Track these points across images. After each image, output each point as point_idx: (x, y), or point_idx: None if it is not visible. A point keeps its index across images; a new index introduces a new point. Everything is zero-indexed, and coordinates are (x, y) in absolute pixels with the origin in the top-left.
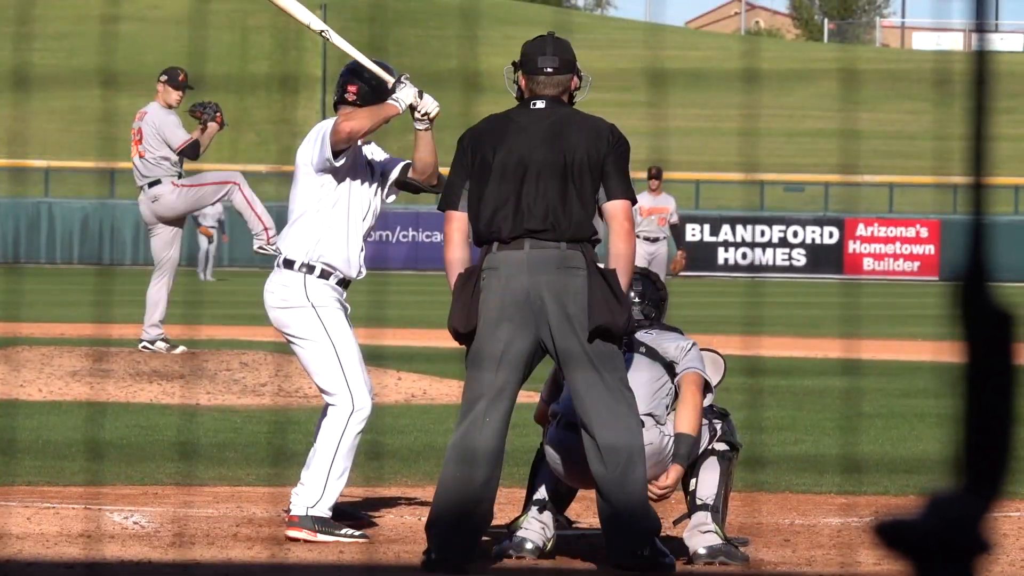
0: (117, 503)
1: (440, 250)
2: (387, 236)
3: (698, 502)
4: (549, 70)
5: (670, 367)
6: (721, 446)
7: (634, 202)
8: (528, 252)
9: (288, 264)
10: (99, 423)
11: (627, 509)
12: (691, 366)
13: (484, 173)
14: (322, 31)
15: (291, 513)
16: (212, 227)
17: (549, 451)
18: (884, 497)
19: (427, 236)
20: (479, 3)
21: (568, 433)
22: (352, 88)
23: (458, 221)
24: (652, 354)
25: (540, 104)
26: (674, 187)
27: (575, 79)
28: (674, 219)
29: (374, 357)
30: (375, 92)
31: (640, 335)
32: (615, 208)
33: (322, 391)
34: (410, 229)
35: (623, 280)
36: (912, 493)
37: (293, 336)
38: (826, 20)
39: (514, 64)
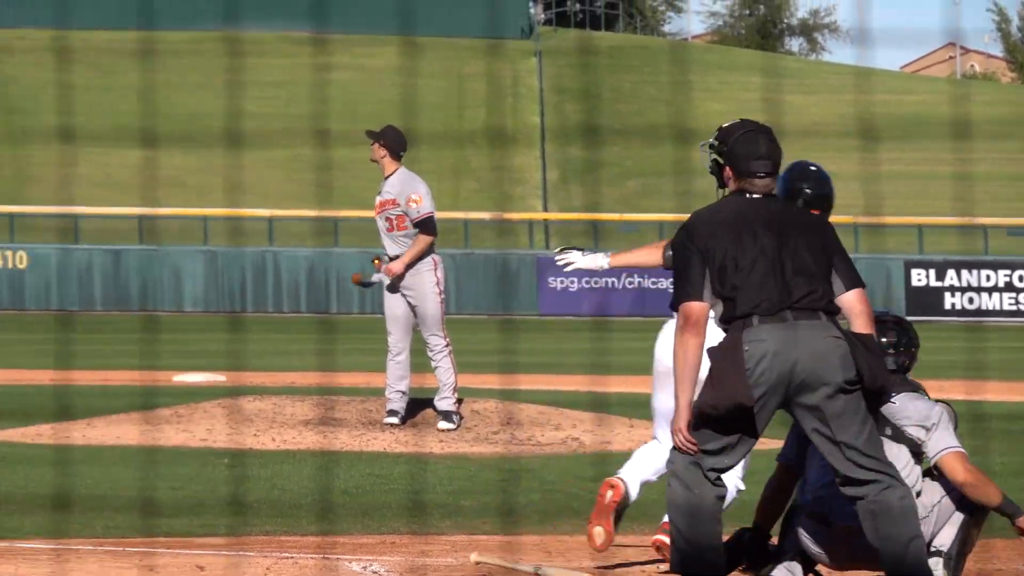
0: (355, 552)
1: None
2: (612, 283)
3: (932, 548)
4: (762, 174)
5: (915, 446)
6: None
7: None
8: (794, 323)
9: None
10: (332, 472)
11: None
12: (945, 447)
13: (725, 262)
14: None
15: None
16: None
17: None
18: None
19: (653, 283)
20: (691, 49)
21: (813, 523)
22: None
23: (701, 310)
24: (897, 435)
25: (756, 196)
26: (891, 232)
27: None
28: None
29: (599, 405)
30: None
31: (884, 408)
32: (852, 297)
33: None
34: (635, 276)
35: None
36: None
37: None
38: None
39: (710, 145)
